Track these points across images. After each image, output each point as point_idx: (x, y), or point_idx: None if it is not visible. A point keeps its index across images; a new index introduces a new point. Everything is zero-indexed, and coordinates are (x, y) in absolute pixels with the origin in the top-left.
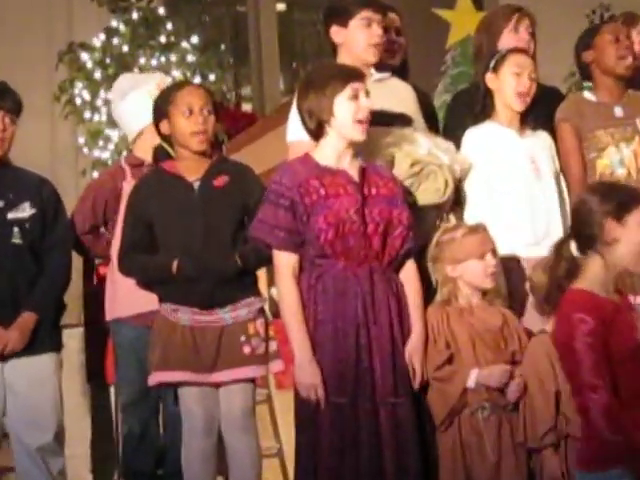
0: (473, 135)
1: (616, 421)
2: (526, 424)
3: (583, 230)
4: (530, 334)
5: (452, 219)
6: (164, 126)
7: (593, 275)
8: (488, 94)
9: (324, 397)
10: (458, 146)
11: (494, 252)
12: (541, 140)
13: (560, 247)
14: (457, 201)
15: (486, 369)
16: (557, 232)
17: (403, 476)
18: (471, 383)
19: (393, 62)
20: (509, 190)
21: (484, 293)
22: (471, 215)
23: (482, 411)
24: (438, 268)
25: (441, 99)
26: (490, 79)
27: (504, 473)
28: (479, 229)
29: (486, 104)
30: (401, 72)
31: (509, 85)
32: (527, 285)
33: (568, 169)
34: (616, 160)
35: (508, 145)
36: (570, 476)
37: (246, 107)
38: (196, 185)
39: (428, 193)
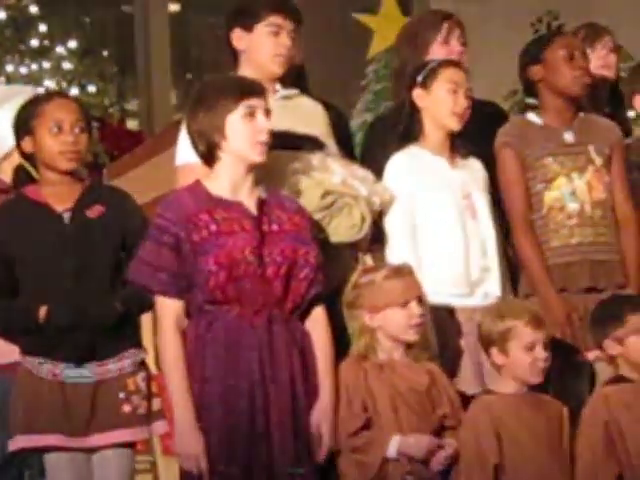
0: (397, 162)
1: None
2: None
3: None
4: (464, 397)
5: (368, 260)
6: (27, 144)
7: None
8: (414, 113)
9: (209, 468)
10: (380, 175)
11: (420, 300)
12: (475, 171)
13: None
14: (376, 239)
15: (411, 437)
16: (494, 278)
17: None
18: (392, 452)
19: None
20: (439, 229)
21: (409, 347)
22: (394, 256)
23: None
24: (355, 316)
25: (361, 119)
26: (419, 96)
27: None
28: (403, 272)
29: (412, 125)
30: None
31: (444, 104)
32: (462, 341)
33: (510, 203)
34: (567, 192)
35: (438, 177)
36: None
37: (132, 124)
38: (66, 216)
39: (342, 229)
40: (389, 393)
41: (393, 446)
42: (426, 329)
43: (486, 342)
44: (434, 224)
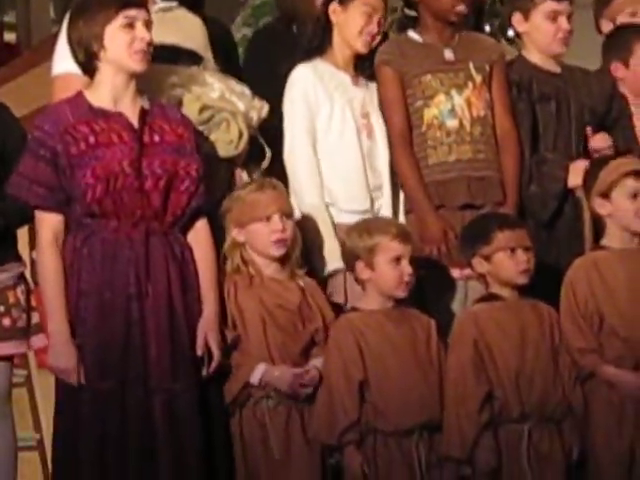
0: (301, 73)
1: None
2: (322, 417)
3: None
4: (338, 309)
5: (244, 176)
6: None
7: None
8: (326, 27)
9: (84, 382)
10: (256, 90)
11: (286, 214)
12: (375, 94)
13: None
14: (251, 155)
15: (276, 369)
16: (385, 198)
17: (180, 476)
18: (255, 380)
19: None
20: (335, 147)
21: (282, 263)
22: (294, 173)
23: (267, 401)
24: (227, 231)
25: (240, 33)
26: (335, 11)
27: (293, 472)
28: (267, 186)
29: (321, 38)
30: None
31: (356, 24)
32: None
33: (389, 119)
34: (446, 110)
35: (339, 92)
36: (379, 476)
37: (9, 37)
38: None
39: (219, 144)
40: (258, 310)
41: (257, 375)
42: (294, 244)
43: (352, 257)
44: (332, 138)
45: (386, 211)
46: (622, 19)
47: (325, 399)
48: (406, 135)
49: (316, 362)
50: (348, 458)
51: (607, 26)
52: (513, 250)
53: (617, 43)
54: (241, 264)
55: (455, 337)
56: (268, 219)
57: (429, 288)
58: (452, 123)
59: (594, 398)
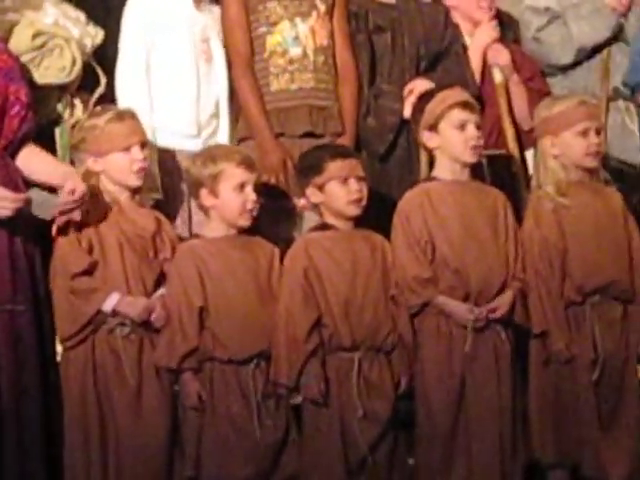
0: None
1: None
2: (163, 343)
3: None
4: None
5: (77, 103)
6: None
7: None
8: None
9: None
10: (92, 17)
11: (144, 143)
12: (216, 16)
13: None
14: (86, 82)
15: (129, 298)
16: (223, 125)
17: (23, 397)
18: (107, 308)
19: None
20: (173, 70)
21: (135, 191)
22: (123, 95)
23: (121, 329)
24: (79, 159)
25: None
26: None
27: (145, 398)
28: (126, 116)
29: None
30: None
31: None
32: (184, 185)
33: (232, 45)
34: (290, 37)
35: (179, 17)
36: (214, 405)
37: None
38: None
39: (52, 71)
40: (117, 236)
41: (109, 303)
42: (152, 172)
43: (196, 185)
44: (169, 65)
45: (222, 137)
46: None
47: (167, 325)
48: (248, 61)
49: (162, 291)
50: (185, 384)
51: None
52: (345, 180)
53: None
54: (97, 191)
55: (287, 265)
56: (128, 149)
57: (267, 217)
58: (296, 51)
59: (424, 329)
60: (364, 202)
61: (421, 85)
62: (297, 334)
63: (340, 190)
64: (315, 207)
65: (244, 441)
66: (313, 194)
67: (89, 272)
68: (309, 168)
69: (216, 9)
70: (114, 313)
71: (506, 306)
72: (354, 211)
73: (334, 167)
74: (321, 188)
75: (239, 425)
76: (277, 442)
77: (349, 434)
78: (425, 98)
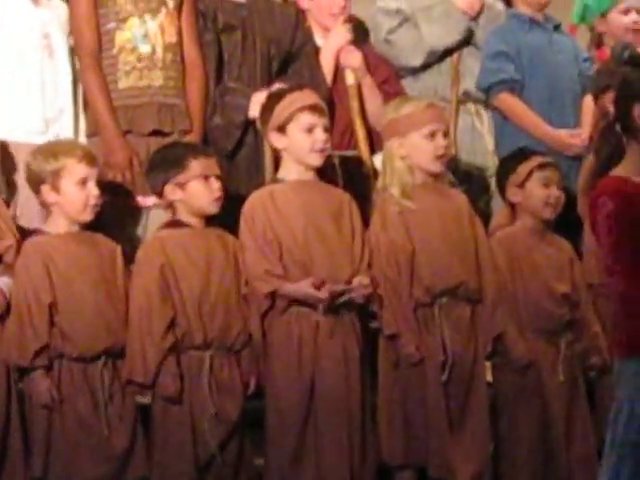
0: None
1: (632, 306)
2: (13, 340)
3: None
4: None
5: None
6: None
7: (631, 160)
8: None
9: None
10: None
11: None
12: (58, 11)
13: (605, 132)
14: None
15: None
16: (67, 119)
17: None
18: None
19: None
20: (15, 67)
21: None
22: None
23: None
24: None
25: None
26: None
27: None
28: None
29: None
30: None
31: None
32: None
33: (79, 38)
34: (139, 34)
35: (18, 15)
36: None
37: None
38: None
39: None
40: None
41: None
42: None
43: (37, 181)
44: (11, 61)
45: (67, 132)
46: None
47: (16, 322)
48: (96, 56)
49: (4, 280)
50: (37, 383)
51: None
52: (207, 178)
53: None
54: None
55: (141, 262)
56: None
57: (112, 214)
58: (145, 48)
59: (274, 329)
60: (222, 200)
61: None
62: (153, 332)
63: (202, 188)
64: (169, 205)
65: (92, 440)
66: (172, 191)
67: None
68: (170, 164)
69: (57, 3)
70: None
71: (362, 288)
72: (214, 209)
73: (197, 165)
74: (182, 185)
75: (87, 424)
76: (125, 442)
77: (199, 433)
78: (274, 98)
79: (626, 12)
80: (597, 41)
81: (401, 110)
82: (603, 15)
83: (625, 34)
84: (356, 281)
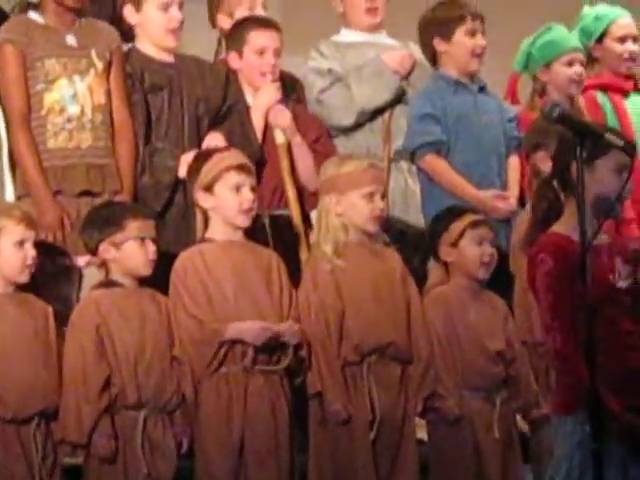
0: None
1: (569, 364)
2: None
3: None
4: None
5: None
6: None
7: (570, 216)
8: None
9: None
10: None
11: None
12: None
13: (542, 188)
14: None
15: None
16: (6, 181)
17: None
18: None
19: None
20: None
21: None
22: None
23: None
24: None
25: None
26: None
27: None
28: None
29: None
30: None
31: None
32: None
33: (9, 101)
34: (68, 95)
35: None
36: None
37: None
38: None
39: None
40: None
41: None
42: None
43: None
44: None
45: (8, 194)
46: (240, 13)
47: None
48: (25, 117)
49: None
50: None
51: (223, 20)
52: (143, 240)
53: (233, 35)
54: None
55: (75, 322)
56: None
57: (43, 274)
58: (74, 109)
59: (204, 389)
60: (154, 263)
61: (214, 139)
62: (89, 392)
63: (138, 250)
64: (102, 264)
65: None
66: (106, 250)
67: None
68: (107, 223)
69: None
70: None
71: (293, 328)
72: (148, 272)
73: (135, 226)
74: (117, 245)
75: None
76: None
77: None
78: (201, 158)
79: (570, 63)
80: (540, 91)
81: (342, 168)
82: (547, 65)
83: (569, 85)
84: (287, 324)
